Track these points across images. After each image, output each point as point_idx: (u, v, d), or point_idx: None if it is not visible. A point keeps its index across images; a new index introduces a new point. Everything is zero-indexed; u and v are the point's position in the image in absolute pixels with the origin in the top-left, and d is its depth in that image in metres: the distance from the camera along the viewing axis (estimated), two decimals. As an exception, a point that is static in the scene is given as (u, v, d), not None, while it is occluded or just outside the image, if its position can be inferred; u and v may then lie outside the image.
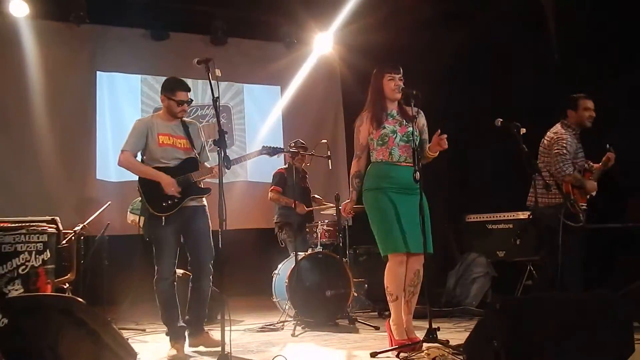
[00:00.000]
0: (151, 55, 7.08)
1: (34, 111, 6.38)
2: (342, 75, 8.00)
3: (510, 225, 5.16)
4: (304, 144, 5.17)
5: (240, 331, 4.24)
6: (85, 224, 4.29)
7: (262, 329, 4.29)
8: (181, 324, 3.52)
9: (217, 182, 3.09)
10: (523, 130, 3.81)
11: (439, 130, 3.37)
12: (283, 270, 4.68)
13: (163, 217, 3.40)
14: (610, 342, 2.48)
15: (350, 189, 3.54)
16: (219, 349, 2.87)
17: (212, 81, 3.29)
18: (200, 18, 7.11)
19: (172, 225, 3.45)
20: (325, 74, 7.91)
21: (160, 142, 3.53)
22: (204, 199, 3.65)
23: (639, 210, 4.92)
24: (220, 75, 3.36)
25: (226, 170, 3.18)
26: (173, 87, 3.58)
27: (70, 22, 6.45)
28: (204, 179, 3.68)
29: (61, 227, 4.09)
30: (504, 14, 5.98)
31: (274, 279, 4.73)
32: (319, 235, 4.74)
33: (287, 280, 4.44)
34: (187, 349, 3.51)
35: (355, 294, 4.55)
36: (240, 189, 7.19)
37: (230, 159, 3.33)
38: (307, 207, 5.06)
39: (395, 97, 3.45)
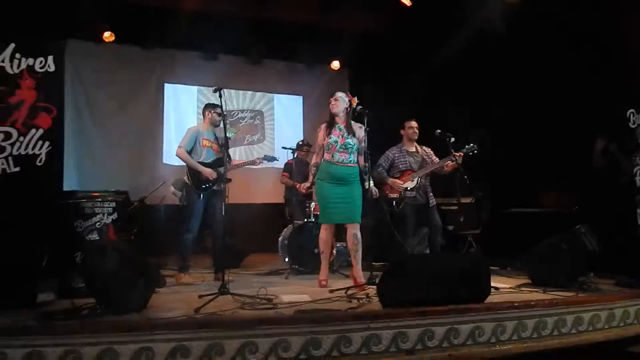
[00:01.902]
0: (205, 71, 7.41)
1: (120, 112, 6.95)
2: (350, 88, 8.39)
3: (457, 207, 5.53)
4: (307, 143, 5.78)
5: (251, 274, 4.89)
6: (147, 195, 4.99)
7: (267, 274, 4.90)
8: (189, 263, 4.30)
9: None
10: (452, 139, 4.34)
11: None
12: (285, 233, 5.28)
13: (201, 194, 4.12)
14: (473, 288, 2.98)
15: (310, 175, 4.15)
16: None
17: (222, 103, 3.77)
18: (241, 44, 7.43)
19: (204, 199, 4.19)
20: (336, 86, 8.30)
21: (203, 144, 4.27)
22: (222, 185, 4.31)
23: (549, 199, 5.22)
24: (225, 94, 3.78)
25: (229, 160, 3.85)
26: (214, 105, 4.35)
27: (145, 46, 7.00)
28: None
29: (130, 197, 4.85)
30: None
31: (279, 240, 5.34)
32: (312, 209, 5.31)
33: (286, 241, 5.07)
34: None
35: (335, 252, 5.08)
36: (262, 172, 7.53)
37: (264, 154, 4.81)
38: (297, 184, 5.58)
39: (333, 111, 4.04)
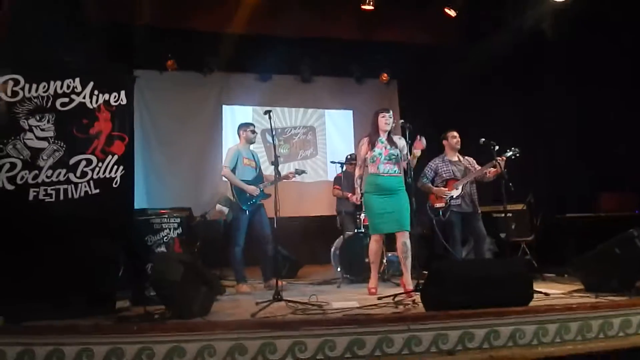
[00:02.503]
0: (259, 91, 7.91)
1: (182, 134, 7.54)
2: (399, 100, 8.55)
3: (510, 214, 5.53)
4: (355, 157, 6.02)
5: (305, 283, 5.17)
6: (207, 212, 5.44)
7: (320, 283, 5.18)
8: (244, 273, 4.64)
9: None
10: (497, 147, 4.43)
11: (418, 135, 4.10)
12: (337, 244, 5.52)
13: (246, 210, 4.48)
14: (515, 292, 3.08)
15: (356, 186, 4.37)
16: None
17: (271, 124, 4.09)
18: (293, 64, 7.87)
19: (248, 215, 4.52)
20: (386, 99, 8.43)
21: (244, 163, 4.64)
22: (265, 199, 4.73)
23: (609, 201, 5.13)
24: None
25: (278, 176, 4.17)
26: (247, 124, 4.79)
27: (203, 72, 7.55)
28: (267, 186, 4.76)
29: (193, 213, 5.31)
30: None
31: (331, 250, 5.59)
32: (362, 220, 5.53)
33: (337, 251, 5.31)
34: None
35: (386, 262, 5.25)
36: (314, 186, 7.98)
37: (296, 168, 5.06)
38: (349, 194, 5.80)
39: (385, 129, 4.22)
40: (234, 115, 7.88)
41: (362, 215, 5.46)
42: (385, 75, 8.17)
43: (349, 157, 6.08)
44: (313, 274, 5.89)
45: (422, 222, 5.17)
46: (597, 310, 2.94)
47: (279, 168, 6.41)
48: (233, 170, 4.72)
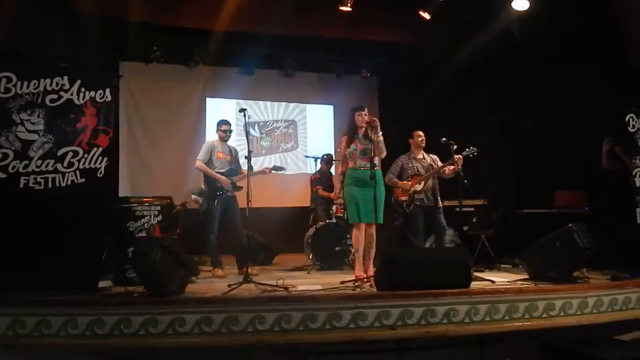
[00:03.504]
0: (243, 85, 8.24)
1: (166, 125, 7.87)
2: (379, 95, 8.96)
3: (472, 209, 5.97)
4: (330, 157, 6.46)
5: (278, 269, 5.60)
6: (187, 201, 5.84)
7: (292, 270, 5.60)
8: (219, 259, 5.04)
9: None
10: (455, 146, 4.87)
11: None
12: (309, 233, 5.94)
13: (216, 200, 4.89)
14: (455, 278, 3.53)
15: (339, 182, 4.79)
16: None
17: (246, 121, 4.49)
18: (275, 59, 8.19)
19: (220, 205, 4.97)
20: (367, 94, 8.80)
21: (217, 156, 5.04)
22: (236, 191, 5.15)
23: (562, 199, 5.59)
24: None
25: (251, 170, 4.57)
26: (221, 123, 5.12)
27: (188, 65, 7.87)
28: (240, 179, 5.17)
29: (174, 202, 5.71)
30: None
31: (304, 239, 6.03)
32: (334, 211, 5.96)
33: (310, 240, 5.75)
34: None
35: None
36: (293, 179, 8.31)
37: (274, 165, 5.46)
38: (332, 194, 6.20)
39: (362, 126, 4.61)
40: (217, 108, 8.19)
41: (335, 207, 5.90)
42: (365, 72, 8.53)
43: (325, 157, 6.49)
44: (288, 261, 6.30)
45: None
46: (523, 294, 3.39)
47: (261, 159, 6.89)
48: (207, 164, 5.11)
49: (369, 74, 8.66)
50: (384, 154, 4.57)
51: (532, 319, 3.37)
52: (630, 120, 4.73)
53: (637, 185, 4.68)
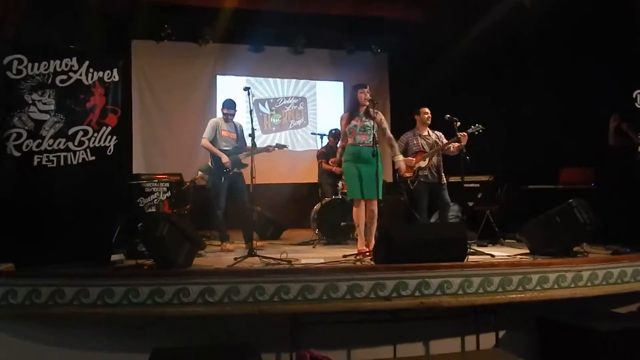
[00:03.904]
0: (253, 62, 8.32)
1: (179, 103, 7.99)
2: (389, 71, 8.95)
3: (477, 185, 6.01)
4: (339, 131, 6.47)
5: (284, 244, 5.76)
6: (196, 177, 6.00)
7: (298, 244, 5.76)
8: (227, 233, 5.19)
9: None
10: (458, 123, 4.89)
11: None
12: (316, 208, 6.07)
13: (222, 177, 5.03)
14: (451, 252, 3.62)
15: (338, 154, 4.86)
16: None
17: (249, 100, 4.57)
18: (285, 36, 8.22)
19: (226, 182, 5.10)
20: (377, 71, 8.84)
21: (223, 135, 5.16)
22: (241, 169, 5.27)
23: (568, 175, 5.59)
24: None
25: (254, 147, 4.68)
26: (224, 105, 5.18)
27: (198, 43, 7.92)
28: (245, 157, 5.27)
29: (184, 179, 5.89)
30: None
31: (311, 214, 6.16)
32: (340, 187, 6.06)
33: (316, 215, 5.88)
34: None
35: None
36: (303, 155, 8.46)
37: (277, 143, 5.52)
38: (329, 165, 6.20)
39: (364, 104, 4.67)
40: (228, 85, 8.27)
41: (341, 183, 5.99)
42: (376, 48, 8.51)
43: (333, 131, 6.56)
44: (296, 236, 6.46)
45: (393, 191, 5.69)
46: (517, 267, 3.48)
47: (271, 136, 6.97)
48: (213, 142, 5.24)
49: (379, 50, 8.62)
50: (388, 133, 4.65)
51: (526, 291, 3.46)
52: (638, 96, 4.69)
53: (643, 161, 4.66)
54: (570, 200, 4.32)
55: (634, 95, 4.70)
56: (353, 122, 4.62)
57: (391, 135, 4.78)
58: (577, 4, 5.51)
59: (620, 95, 4.86)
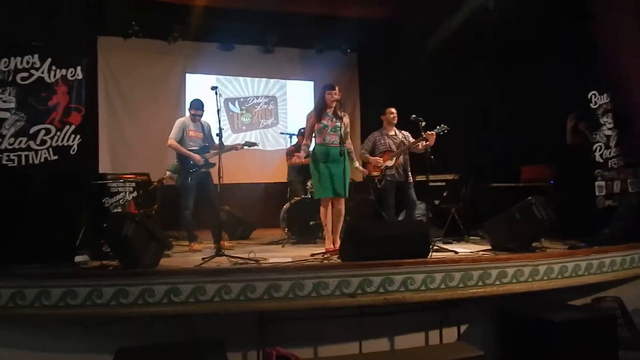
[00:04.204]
0: (223, 61, 8.30)
1: (147, 101, 7.85)
2: (359, 71, 9.01)
3: (443, 184, 6.16)
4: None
5: (253, 244, 5.78)
6: (164, 177, 5.93)
7: (267, 244, 5.77)
8: (195, 233, 5.18)
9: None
10: (423, 123, 5.00)
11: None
12: (285, 208, 6.11)
13: (190, 177, 5.02)
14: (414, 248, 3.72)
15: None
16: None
17: (217, 100, 4.57)
18: (255, 35, 8.20)
19: (194, 182, 5.10)
20: (347, 70, 8.89)
21: (190, 135, 5.15)
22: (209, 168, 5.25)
23: (529, 173, 5.78)
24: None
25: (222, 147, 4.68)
26: (192, 106, 5.18)
27: (167, 40, 7.81)
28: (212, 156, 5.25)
29: (151, 178, 5.82)
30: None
31: (281, 214, 6.19)
32: (310, 186, 6.09)
33: (285, 214, 5.92)
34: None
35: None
36: (273, 155, 8.47)
37: (246, 141, 5.47)
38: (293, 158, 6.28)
39: (331, 105, 4.73)
40: (197, 83, 8.18)
41: (310, 182, 6.03)
42: (345, 48, 8.59)
43: (302, 130, 6.58)
44: (266, 236, 6.47)
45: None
46: (477, 262, 3.59)
47: (241, 136, 6.93)
48: (180, 142, 5.21)
49: (349, 50, 8.70)
50: (349, 141, 4.76)
51: (486, 286, 3.58)
52: (593, 97, 4.89)
53: (597, 159, 4.87)
54: (529, 198, 4.48)
55: (589, 96, 4.90)
56: (324, 122, 4.67)
57: (351, 146, 4.87)
58: (539, 7, 5.69)
59: (578, 95, 5.05)
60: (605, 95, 4.84)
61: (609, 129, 4.84)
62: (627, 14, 4.52)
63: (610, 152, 4.84)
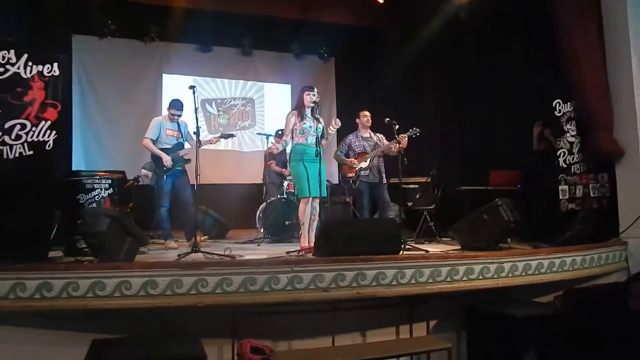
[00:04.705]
0: (200, 62, 8.41)
1: (122, 101, 7.93)
2: (336, 76, 9.23)
3: (416, 186, 6.37)
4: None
5: (230, 242, 5.85)
6: (139, 175, 5.98)
7: (243, 242, 5.86)
8: (170, 231, 5.23)
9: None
10: (397, 126, 5.17)
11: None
12: (261, 208, 6.21)
13: (164, 175, 5.08)
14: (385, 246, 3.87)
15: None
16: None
17: (194, 99, 4.64)
18: (234, 37, 8.38)
19: (169, 180, 5.18)
20: (324, 75, 9.10)
21: (167, 134, 5.22)
22: (185, 165, 5.34)
23: (497, 177, 6.03)
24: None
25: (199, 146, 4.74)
26: (171, 106, 5.24)
27: (145, 41, 7.93)
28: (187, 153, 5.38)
29: (127, 177, 5.84)
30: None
31: (257, 214, 6.28)
32: (286, 187, 6.22)
33: (261, 214, 6.02)
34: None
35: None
36: (250, 156, 8.59)
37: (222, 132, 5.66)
38: (284, 170, 6.42)
39: (309, 105, 4.87)
40: (174, 84, 8.26)
41: (286, 183, 6.16)
42: (323, 53, 8.76)
43: (280, 132, 6.69)
44: (242, 235, 6.53)
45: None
46: (445, 259, 3.76)
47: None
48: (156, 141, 5.26)
49: (326, 55, 8.88)
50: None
51: (454, 282, 3.75)
52: (557, 105, 5.15)
53: (561, 164, 5.12)
54: (497, 199, 4.68)
55: (553, 104, 5.16)
56: (308, 123, 4.79)
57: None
58: (508, 17, 5.97)
59: (546, 103, 5.31)
60: (568, 103, 5.09)
61: (572, 135, 5.08)
62: (588, 23, 4.77)
63: (573, 158, 5.08)
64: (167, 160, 5.22)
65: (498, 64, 6.37)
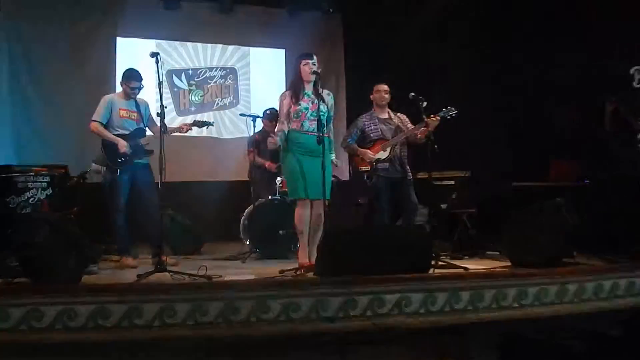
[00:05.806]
0: (165, 22, 8.33)
1: (64, 74, 7.85)
2: (344, 37, 9.15)
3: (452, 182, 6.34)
4: (274, 111, 6.63)
5: (207, 259, 5.87)
6: (87, 172, 6.00)
7: (223, 259, 5.89)
8: (129, 244, 5.27)
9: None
10: (425, 104, 5.17)
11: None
12: (247, 212, 6.23)
13: (119, 170, 5.09)
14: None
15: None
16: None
17: (158, 70, 4.66)
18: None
19: (126, 176, 5.19)
20: (328, 36, 9.06)
21: (120, 115, 5.22)
22: (148, 157, 5.33)
23: (560, 170, 6.01)
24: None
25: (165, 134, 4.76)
26: (129, 77, 5.22)
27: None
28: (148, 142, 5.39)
29: (70, 172, 5.88)
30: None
31: (241, 221, 6.29)
32: (280, 185, 6.17)
33: (247, 221, 6.04)
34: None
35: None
36: (229, 145, 8.62)
37: (195, 120, 5.56)
38: (275, 164, 6.37)
39: (309, 79, 4.86)
40: (131, 51, 8.23)
41: (279, 179, 6.14)
42: (327, 6, 8.73)
43: (267, 112, 6.71)
44: (222, 249, 6.58)
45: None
46: (489, 279, 3.77)
47: (189, 119, 7.03)
48: (107, 125, 5.27)
49: (331, 10, 8.85)
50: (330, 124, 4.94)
51: (501, 309, 3.74)
52: (636, 74, 5.14)
53: (642, 147, 5.11)
54: (557, 199, 4.68)
55: (631, 72, 5.14)
56: (303, 104, 4.79)
57: (331, 135, 5.02)
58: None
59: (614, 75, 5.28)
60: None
61: (659, 112, 5.07)
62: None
63: (660, 143, 5.07)
64: (122, 145, 5.20)
65: (547, 34, 6.35)
